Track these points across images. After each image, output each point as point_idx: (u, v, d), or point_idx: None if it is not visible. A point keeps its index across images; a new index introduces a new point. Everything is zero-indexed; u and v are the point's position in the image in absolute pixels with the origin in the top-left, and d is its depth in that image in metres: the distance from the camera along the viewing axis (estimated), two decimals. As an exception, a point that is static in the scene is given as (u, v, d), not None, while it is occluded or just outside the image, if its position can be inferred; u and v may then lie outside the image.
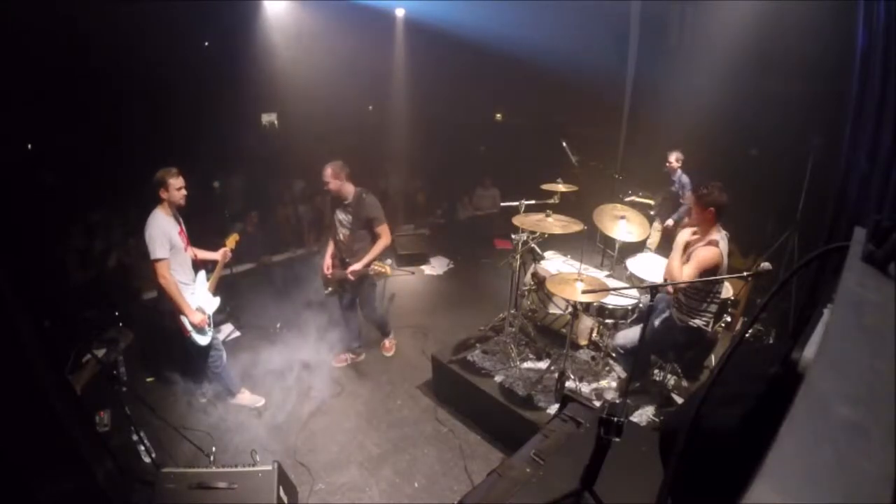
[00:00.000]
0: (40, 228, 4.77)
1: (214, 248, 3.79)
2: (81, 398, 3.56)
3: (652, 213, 4.89)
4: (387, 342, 4.66)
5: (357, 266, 3.90)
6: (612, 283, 3.82)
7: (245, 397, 3.92)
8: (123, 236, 5.61)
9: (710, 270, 2.99)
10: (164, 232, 3.30)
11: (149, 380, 4.22)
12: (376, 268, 3.96)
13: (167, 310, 3.43)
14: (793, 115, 4.89)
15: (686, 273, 2.96)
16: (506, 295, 4.30)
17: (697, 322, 3.19)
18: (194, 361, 3.78)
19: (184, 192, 3.39)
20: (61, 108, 5.39)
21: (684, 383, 3.70)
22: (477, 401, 3.71)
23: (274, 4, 6.77)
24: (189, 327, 3.42)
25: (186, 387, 3.99)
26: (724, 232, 3.11)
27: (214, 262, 3.77)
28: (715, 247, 3.00)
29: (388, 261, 3.89)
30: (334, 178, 3.81)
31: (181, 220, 3.51)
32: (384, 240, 3.93)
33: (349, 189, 3.88)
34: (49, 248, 4.93)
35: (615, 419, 1.61)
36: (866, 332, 0.62)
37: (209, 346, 3.62)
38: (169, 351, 4.04)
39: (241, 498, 2.52)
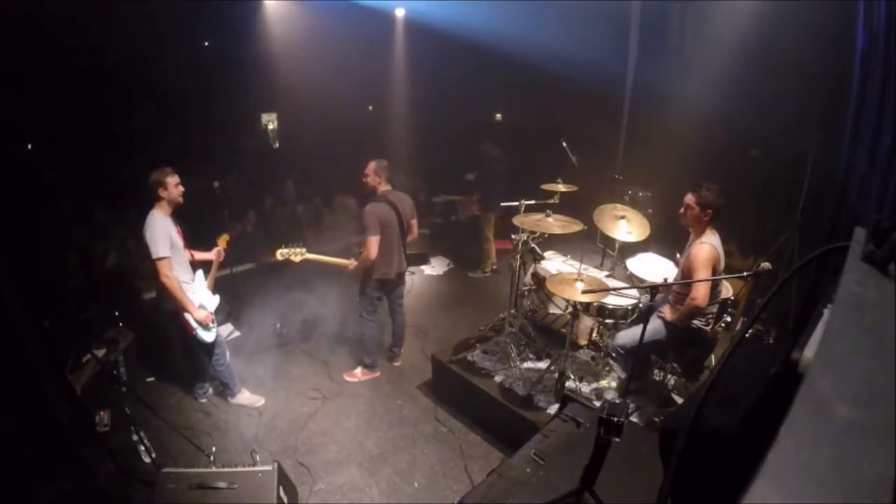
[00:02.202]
0: (40, 228, 4.76)
1: (213, 249, 3.81)
2: (81, 398, 3.56)
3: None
4: (358, 370, 4.29)
5: (350, 265, 3.84)
6: (612, 283, 3.82)
7: (245, 397, 3.92)
8: (123, 236, 5.61)
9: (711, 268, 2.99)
10: (164, 231, 3.31)
11: (149, 380, 4.21)
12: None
13: (169, 309, 3.44)
14: (793, 115, 4.87)
15: (697, 277, 2.94)
16: (506, 295, 4.30)
17: (697, 322, 3.19)
18: (196, 361, 3.78)
19: (181, 188, 3.41)
20: (61, 107, 5.39)
21: (684, 383, 3.70)
22: (477, 401, 3.71)
23: (274, 4, 6.77)
24: (194, 324, 3.44)
25: (186, 387, 3.99)
26: (717, 235, 3.11)
27: (210, 263, 3.80)
28: (709, 245, 3.00)
29: (299, 249, 3.70)
30: (371, 173, 3.83)
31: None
32: (364, 253, 3.77)
33: (379, 189, 3.85)
34: (49, 248, 4.93)
35: (615, 419, 1.61)
36: (866, 332, 0.62)
37: (213, 344, 3.63)
38: (169, 351, 4.04)
39: (241, 498, 2.51)
